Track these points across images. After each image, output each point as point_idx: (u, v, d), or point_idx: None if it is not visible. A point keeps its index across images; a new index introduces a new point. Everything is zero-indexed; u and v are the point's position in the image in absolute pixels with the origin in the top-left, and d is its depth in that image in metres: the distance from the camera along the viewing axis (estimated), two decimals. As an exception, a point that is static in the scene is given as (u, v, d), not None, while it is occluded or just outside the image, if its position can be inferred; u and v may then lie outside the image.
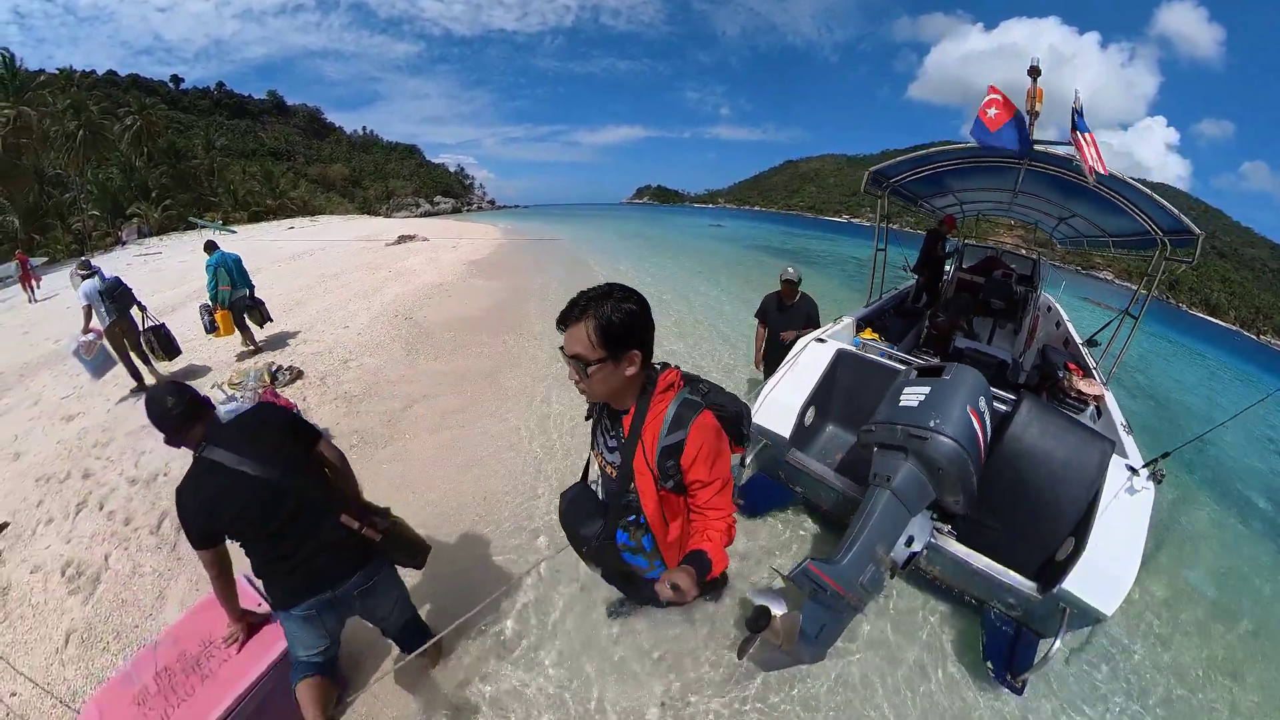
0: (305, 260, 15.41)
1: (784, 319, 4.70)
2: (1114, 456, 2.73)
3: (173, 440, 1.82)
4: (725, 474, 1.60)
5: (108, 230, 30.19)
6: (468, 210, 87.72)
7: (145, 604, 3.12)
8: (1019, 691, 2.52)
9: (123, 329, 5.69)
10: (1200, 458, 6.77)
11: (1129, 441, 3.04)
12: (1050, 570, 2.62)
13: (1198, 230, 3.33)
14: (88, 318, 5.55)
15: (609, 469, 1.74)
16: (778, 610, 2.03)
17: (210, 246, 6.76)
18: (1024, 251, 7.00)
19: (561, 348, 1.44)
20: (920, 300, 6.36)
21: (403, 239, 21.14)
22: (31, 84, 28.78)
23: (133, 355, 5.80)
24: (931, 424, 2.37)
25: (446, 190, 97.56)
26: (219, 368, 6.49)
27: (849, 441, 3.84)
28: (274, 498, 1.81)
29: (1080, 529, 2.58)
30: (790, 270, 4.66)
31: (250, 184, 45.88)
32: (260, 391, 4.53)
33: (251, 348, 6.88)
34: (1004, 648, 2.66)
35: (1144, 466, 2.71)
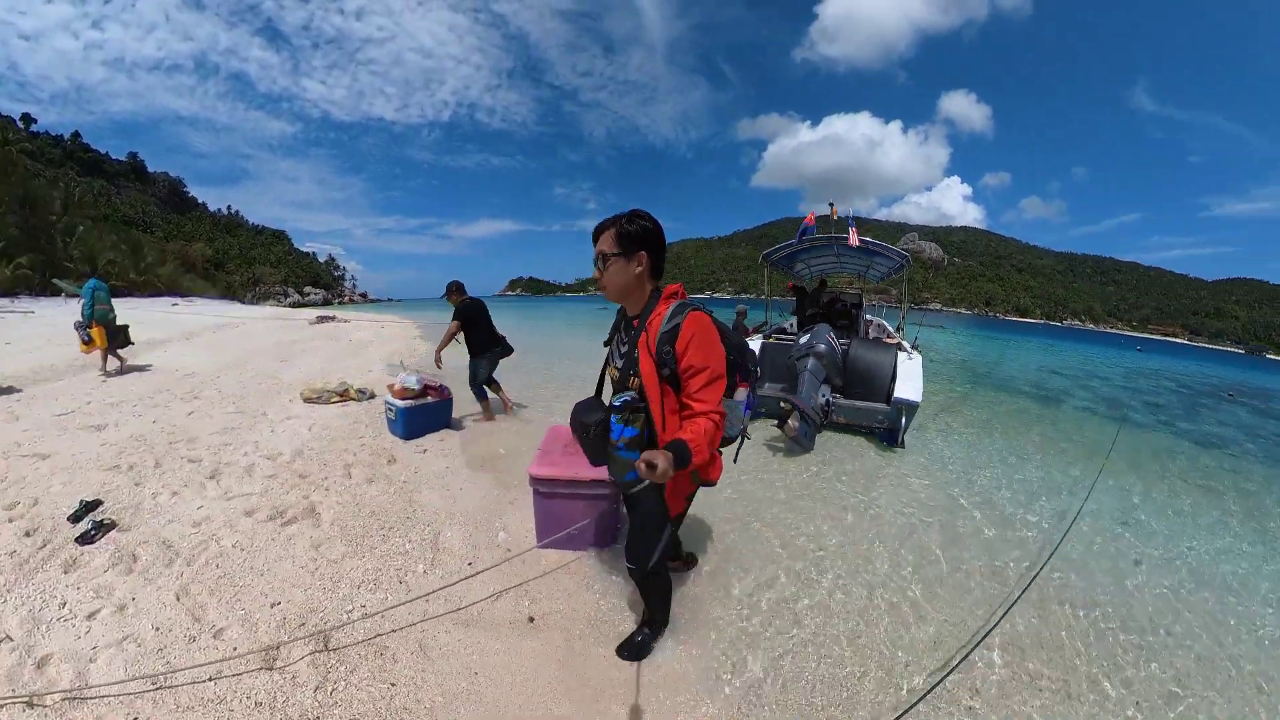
0: (236, 331, 14.61)
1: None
2: (900, 352, 6.49)
3: (451, 298, 5.56)
4: (717, 367, 1.75)
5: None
6: (339, 303, 79.75)
7: (397, 510, 3.40)
8: (902, 445, 5.74)
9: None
10: (994, 372, 15.32)
11: (914, 352, 6.79)
12: (889, 397, 5.82)
13: (907, 254, 7.56)
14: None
15: (616, 372, 1.96)
16: (790, 420, 5.05)
17: (85, 276, 7.96)
18: (853, 289, 11.39)
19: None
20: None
21: (323, 319, 20.83)
22: None
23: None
24: (814, 341, 5.97)
25: (316, 280, 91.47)
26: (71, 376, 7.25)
27: (777, 387, 6.73)
28: (482, 322, 5.44)
29: (893, 380, 6.01)
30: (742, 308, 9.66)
31: (111, 254, 38.74)
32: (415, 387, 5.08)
33: (119, 363, 7.70)
34: (886, 437, 5.89)
35: (911, 349, 6.80)
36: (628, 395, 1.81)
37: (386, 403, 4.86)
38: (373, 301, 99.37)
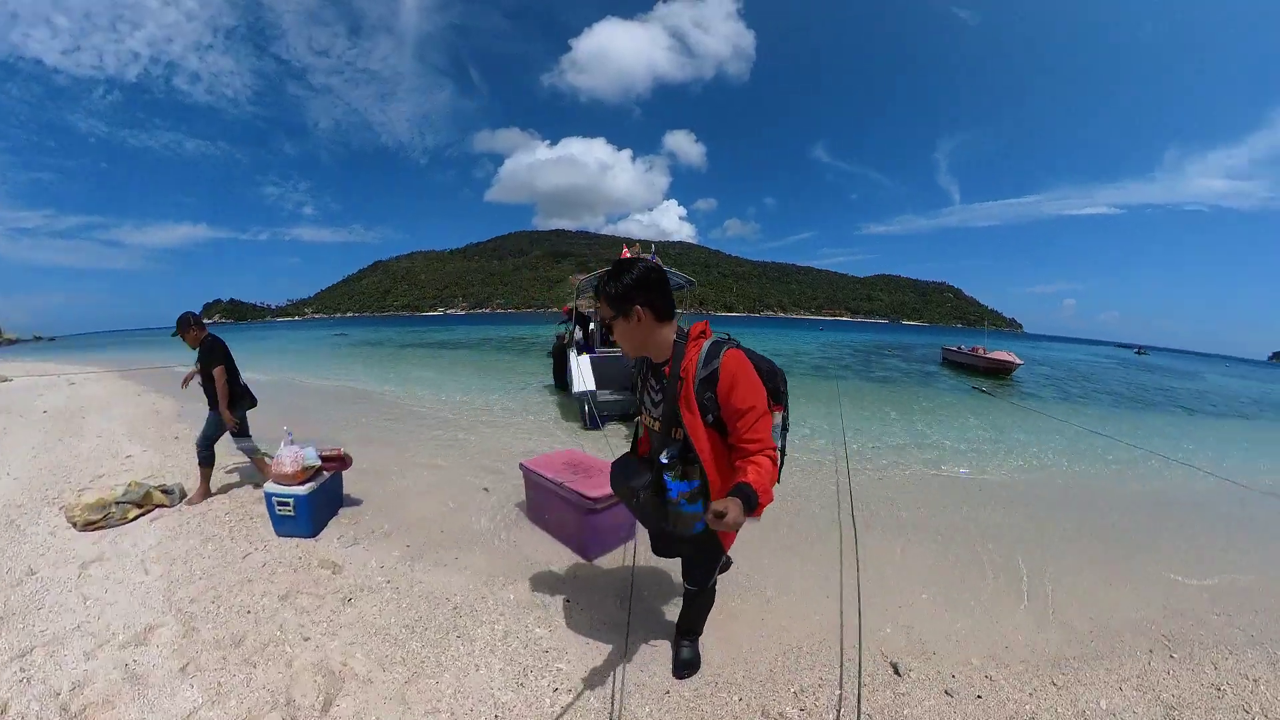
0: None
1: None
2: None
3: (184, 332, 4.46)
4: (761, 404, 1.69)
5: None
6: (-53, 349, 51.74)
7: (430, 607, 2.93)
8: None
9: None
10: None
11: None
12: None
13: (693, 279, 10.21)
14: None
15: (656, 424, 1.86)
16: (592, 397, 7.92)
17: None
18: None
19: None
20: (585, 338, 12.35)
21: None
22: None
23: None
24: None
25: (-82, 317, 57.24)
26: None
27: (608, 393, 8.72)
28: (233, 364, 4.54)
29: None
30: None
31: None
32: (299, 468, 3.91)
33: None
34: (583, 417, 8.15)
35: None
36: (673, 449, 1.78)
37: (272, 495, 3.62)
38: (10, 342, 66.01)
